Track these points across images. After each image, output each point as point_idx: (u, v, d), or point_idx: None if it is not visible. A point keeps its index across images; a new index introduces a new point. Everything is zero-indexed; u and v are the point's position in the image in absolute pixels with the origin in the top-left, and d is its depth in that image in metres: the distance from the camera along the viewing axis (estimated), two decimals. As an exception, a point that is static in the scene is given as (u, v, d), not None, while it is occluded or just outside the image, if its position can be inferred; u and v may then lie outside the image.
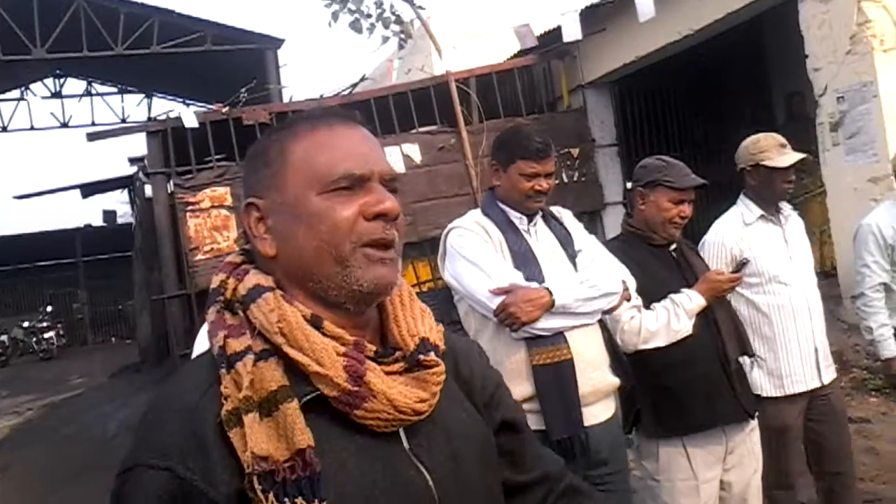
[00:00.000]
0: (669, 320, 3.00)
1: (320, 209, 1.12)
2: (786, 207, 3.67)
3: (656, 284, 3.08)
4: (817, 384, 3.54)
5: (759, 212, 3.58)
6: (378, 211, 1.13)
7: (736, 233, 3.58)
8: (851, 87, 6.47)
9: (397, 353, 1.15)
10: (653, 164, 3.23)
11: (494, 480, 1.27)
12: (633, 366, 3.04)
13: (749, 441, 3.18)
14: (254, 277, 1.15)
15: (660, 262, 3.17)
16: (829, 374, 3.60)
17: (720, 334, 3.08)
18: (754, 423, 3.20)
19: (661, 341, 3.00)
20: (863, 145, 6.44)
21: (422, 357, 1.14)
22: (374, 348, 1.13)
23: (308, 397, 1.06)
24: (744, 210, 3.64)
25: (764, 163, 3.53)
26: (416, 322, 1.20)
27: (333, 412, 1.07)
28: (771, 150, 3.55)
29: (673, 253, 3.21)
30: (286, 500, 0.98)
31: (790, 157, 3.53)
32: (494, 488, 1.27)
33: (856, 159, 6.53)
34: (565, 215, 3.09)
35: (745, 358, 3.23)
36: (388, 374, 1.11)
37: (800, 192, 8.06)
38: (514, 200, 2.91)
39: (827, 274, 7.49)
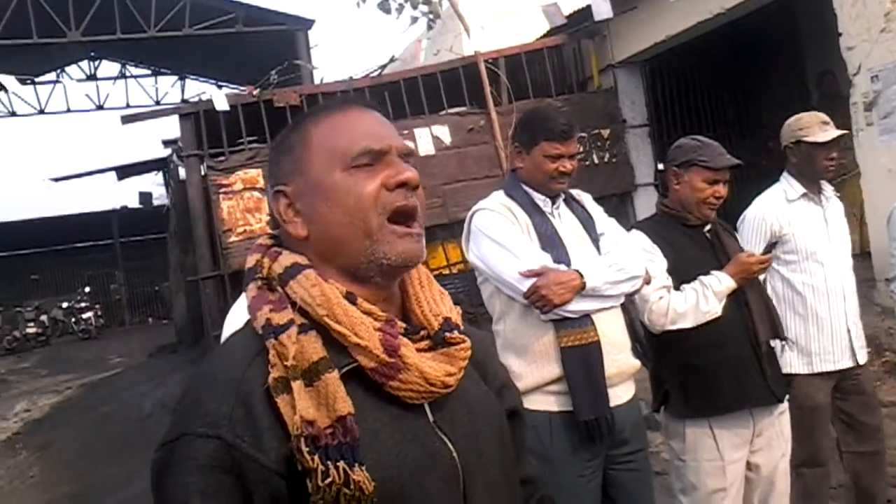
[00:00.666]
0: (698, 301, 3.01)
1: (346, 184, 1.19)
2: (827, 189, 3.70)
3: (689, 265, 3.10)
4: (849, 364, 3.56)
5: (802, 189, 3.61)
6: (400, 180, 1.20)
7: (778, 209, 3.61)
8: (886, 65, 6.35)
9: (422, 332, 1.20)
10: (687, 144, 3.24)
11: (509, 456, 1.33)
12: (663, 346, 3.08)
13: (778, 424, 3.18)
14: (289, 257, 1.21)
15: (693, 243, 3.18)
16: (863, 355, 3.62)
17: (751, 316, 3.08)
18: (784, 406, 3.20)
19: (688, 322, 3.01)
20: (897, 125, 6.35)
21: (447, 335, 1.20)
22: (403, 325, 1.18)
23: (346, 368, 1.12)
24: (787, 187, 3.66)
25: (805, 139, 3.57)
26: (437, 303, 1.25)
27: (368, 385, 1.13)
28: (812, 126, 3.60)
29: (707, 234, 3.20)
30: (329, 462, 1.03)
31: (830, 133, 3.56)
32: (509, 463, 1.32)
33: (890, 140, 6.42)
34: (585, 198, 3.10)
35: (777, 341, 3.23)
36: (417, 350, 1.17)
37: (840, 173, 7.94)
38: (538, 182, 2.91)
39: (869, 255, 7.41)
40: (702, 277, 3.05)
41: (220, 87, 19.80)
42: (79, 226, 25.12)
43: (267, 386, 1.08)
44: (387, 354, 1.12)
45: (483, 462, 1.22)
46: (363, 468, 1.04)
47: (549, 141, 2.86)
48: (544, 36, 10.72)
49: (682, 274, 3.07)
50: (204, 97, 9.85)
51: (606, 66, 10.22)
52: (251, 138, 9.18)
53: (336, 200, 1.19)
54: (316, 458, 1.03)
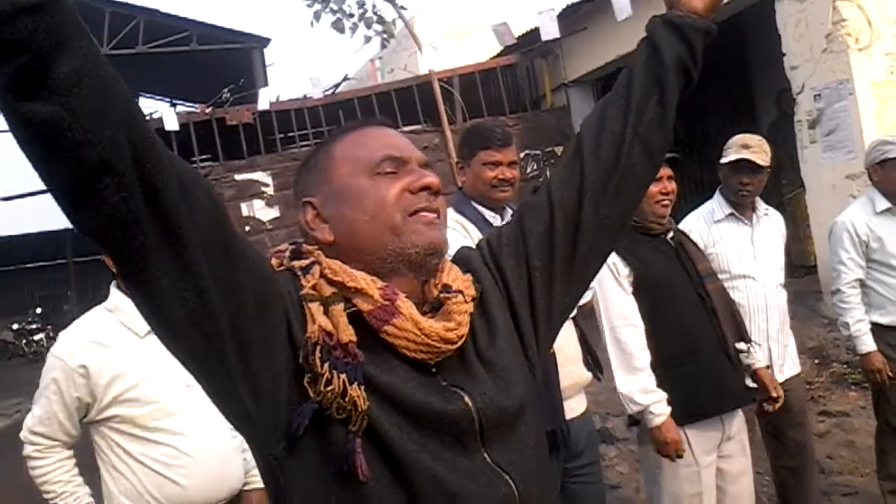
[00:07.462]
0: (638, 383, 3.02)
1: (370, 187, 1.26)
2: (760, 207, 3.74)
3: (657, 277, 3.14)
4: None
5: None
6: (423, 184, 1.27)
7: (703, 227, 3.69)
8: (828, 84, 6.51)
9: (426, 304, 1.26)
10: None
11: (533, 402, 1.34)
12: None
13: (742, 432, 3.25)
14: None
15: (659, 253, 3.21)
16: (784, 371, 3.66)
17: (718, 321, 3.12)
18: (742, 418, 3.26)
19: (618, 367, 3.04)
20: (839, 142, 6.50)
21: (443, 296, 1.25)
22: (405, 294, 1.23)
23: (350, 310, 1.18)
24: (715, 206, 3.73)
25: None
26: (442, 274, 1.30)
27: (373, 343, 1.18)
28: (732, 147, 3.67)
29: (671, 241, 3.25)
30: (335, 371, 1.10)
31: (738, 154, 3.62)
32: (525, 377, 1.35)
33: (833, 156, 6.58)
34: None
35: (742, 344, 3.27)
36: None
37: (787, 190, 8.11)
38: (481, 193, 2.94)
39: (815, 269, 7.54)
40: (656, 397, 3.03)
41: (174, 105, 19.63)
42: (30, 246, 24.64)
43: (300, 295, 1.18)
44: (383, 298, 1.18)
45: (505, 414, 1.24)
46: (361, 388, 1.11)
47: (487, 149, 2.91)
48: (497, 55, 10.81)
49: (651, 285, 3.11)
50: (157, 115, 9.77)
51: (559, 85, 10.34)
52: (204, 156, 9.11)
53: (361, 203, 1.25)
54: (326, 365, 1.10)
